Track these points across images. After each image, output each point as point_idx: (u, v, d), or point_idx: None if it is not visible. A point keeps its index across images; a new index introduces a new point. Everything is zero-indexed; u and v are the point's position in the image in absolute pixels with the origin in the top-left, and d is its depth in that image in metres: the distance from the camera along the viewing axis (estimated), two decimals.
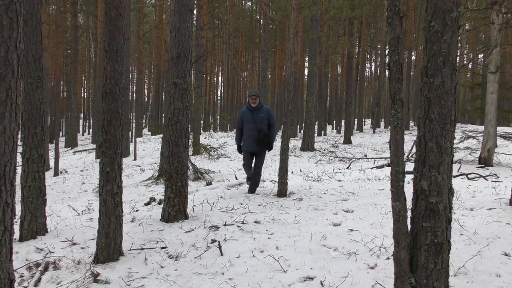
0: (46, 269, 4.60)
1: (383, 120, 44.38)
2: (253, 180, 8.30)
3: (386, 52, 34.65)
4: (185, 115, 6.42)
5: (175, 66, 6.39)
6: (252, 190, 8.36)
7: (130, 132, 25.87)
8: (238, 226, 5.76)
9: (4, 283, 2.73)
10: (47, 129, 6.26)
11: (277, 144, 19.45)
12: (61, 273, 4.48)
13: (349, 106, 24.35)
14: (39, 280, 4.34)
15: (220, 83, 57.18)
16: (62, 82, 37.56)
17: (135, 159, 19.12)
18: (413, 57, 37.10)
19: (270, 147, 8.17)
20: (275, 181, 9.31)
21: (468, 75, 46.71)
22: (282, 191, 7.87)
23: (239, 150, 8.37)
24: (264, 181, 9.91)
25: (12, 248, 2.84)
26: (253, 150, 8.09)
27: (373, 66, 54.08)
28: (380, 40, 38.43)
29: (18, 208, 6.59)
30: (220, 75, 55.93)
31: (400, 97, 2.63)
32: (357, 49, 32.69)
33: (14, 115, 2.79)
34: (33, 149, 5.93)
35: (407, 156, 13.27)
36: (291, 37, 8.50)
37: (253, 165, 8.33)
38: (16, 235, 5.82)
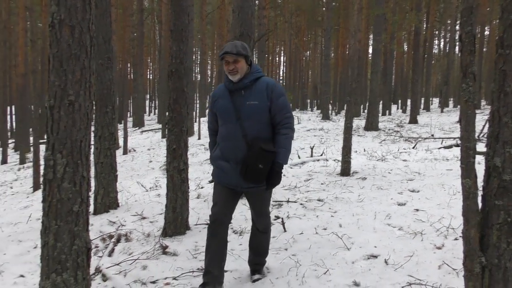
0: (118, 240, 4.85)
1: (452, 99, 42.51)
2: (255, 249, 3.78)
3: (457, 28, 32.94)
4: None
5: None
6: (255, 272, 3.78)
7: (194, 112, 26.44)
8: (301, 204, 5.79)
9: (82, 251, 2.91)
10: (116, 109, 6.54)
11: (337, 125, 19.15)
12: (132, 245, 4.71)
13: (415, 85, 23.53)
14: (112, 250, 4.59)
15: (282, 62, 56.91)
16: (129, 64, 38.84)
17: (199, 138, 19.55)
18: (486, 32, 35.11)
19: (274, 180, 3.36)
20: (338, 160, 9.22)
21: None
22: (345, 170, 7.80)
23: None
24: (327, 160, 9.85)
25: (88, 219, 3.01)
26: (233, 185, 3.44)
27: (442, 43, 51.69)
28: (450, 15, 36.63)
29: (92, 183, 6.96)
30: (282, 54, 55.67)
31: (472, 70, 2.51)
32: (425, 25, 31.34)
33: (88, 93, 2.93)
34: (105, 127, 6.22)
35: (478, 136, 12.69)
36: (355, 14, 8.30)
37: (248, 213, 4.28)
38: (91, 208, 6.17)
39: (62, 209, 2.78)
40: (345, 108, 34.03)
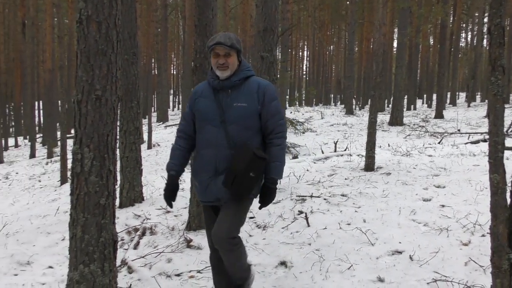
0: (143, 234, 4.92)
1: (479, 93, 41.61)
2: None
3: (485, 20, 32.18)
4: None
5: (261, 40, 6.43)
6: None
7: None
8: (325, 199, 5.77)
9: (109, 243, 2.96)
10: (141, 104, 6.63)
11: (361, 120, 18.97)
12: (157, 238, 4.77)
13: (441, 79, 23.15)
14: (137, 243, 4.66)
15: (305, 57, 56.65)
16: (153, 60, 39.18)
17: None
18: None
19: (269, 197, 2.93)
20: (362, 155, 9.15)
21: None
22: (370, 165, 7.73)
23: (167, 195, 3.03)
24: (351, 155, 9.78)
25: (115, 212, 3.07)
26: (213, 199, 2.92)
27: (469, 36, 50.62)
28: (478, 7, 35.83)
29: (118, 177, 7.07)
30: (305, 49, 55.38)
31: (501, 63, 2.46)
32: (451, 18, 30.74)
33: (114, 88, 2.96)
34: (130, 122, 6.30)
35: (507, 131, 12.43)
36: (380, 7, 8.21)
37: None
38: (116, 202, 6.27)
39: (90, 202, 2.84)
40: (369, 102, 33.68)
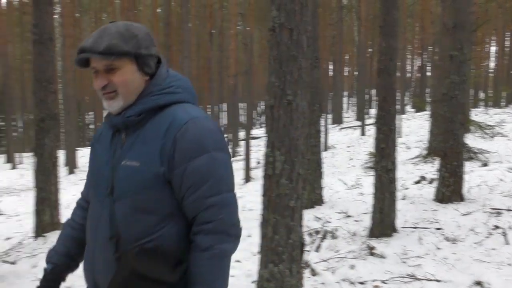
0: (324, 237, 4.95)
1: None
2: None
3: None
4: (462, 89, 6.00)
5: (450, 37, 5.99)
6: None
7: None
8: None
9: (296, 245, 3.01)
10: (323, 107, 6.71)
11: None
12: (338, 242, 4.75)
13: None
14: (319, 246, 4.71)
15: (494, 53, 51.48)
16: (329, 62, 39.56)
17: (400, 136, 18.86)
18: None
19: None
20: None
21: None
22: None
23: None
24: None
25: (302, 215, 3.11)
26: None
27: None
28: None
29: None
30: (493, 44, 50.32)
31: None
32: None
33: (303, 93, 3.02)
34: (312, 125, 6.41)
35: None
36: None
37: None
38: None
39: (280, 204, 2.92)
40: None
